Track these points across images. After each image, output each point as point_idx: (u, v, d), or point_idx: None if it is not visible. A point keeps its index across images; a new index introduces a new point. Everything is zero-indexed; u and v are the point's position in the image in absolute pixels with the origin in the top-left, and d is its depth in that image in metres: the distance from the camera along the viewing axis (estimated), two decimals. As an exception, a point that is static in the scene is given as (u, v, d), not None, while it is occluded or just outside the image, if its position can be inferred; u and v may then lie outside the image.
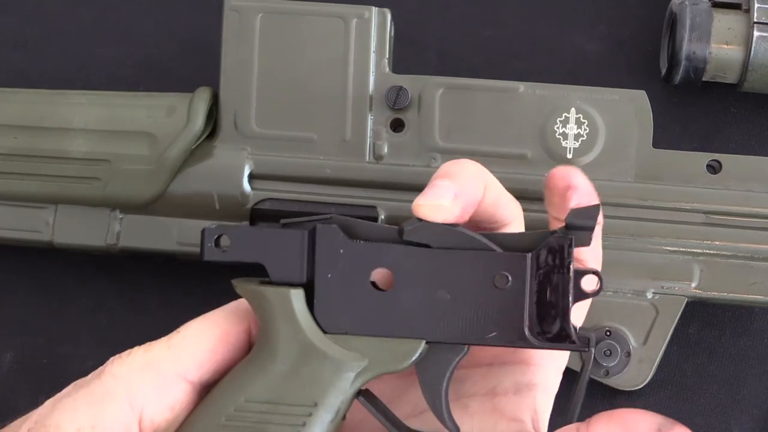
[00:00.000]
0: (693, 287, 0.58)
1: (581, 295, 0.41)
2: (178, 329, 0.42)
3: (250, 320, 0.43)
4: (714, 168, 0.59)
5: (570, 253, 0.40)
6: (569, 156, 0.58)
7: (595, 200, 0.44)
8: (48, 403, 0.41)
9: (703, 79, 0.60)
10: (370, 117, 0.59)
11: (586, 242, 0.41)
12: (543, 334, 0.41)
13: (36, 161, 0.59)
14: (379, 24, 0.59)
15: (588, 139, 0.58)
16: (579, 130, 0.58)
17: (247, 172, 0.59)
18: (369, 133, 0.59)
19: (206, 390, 0.42)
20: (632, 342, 0.58)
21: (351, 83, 0.59)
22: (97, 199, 0.59)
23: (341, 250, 0.41)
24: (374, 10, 0.59)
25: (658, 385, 0.61)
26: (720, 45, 0.59)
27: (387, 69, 0.59)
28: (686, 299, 0.58)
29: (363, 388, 0.41)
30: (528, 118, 0.59)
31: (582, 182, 0.44)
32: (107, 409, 0.40)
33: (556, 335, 0.41)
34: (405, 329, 0.41)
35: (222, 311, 0.43)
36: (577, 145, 0.58)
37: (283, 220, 0.42)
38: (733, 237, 0.58)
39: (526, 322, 0.41)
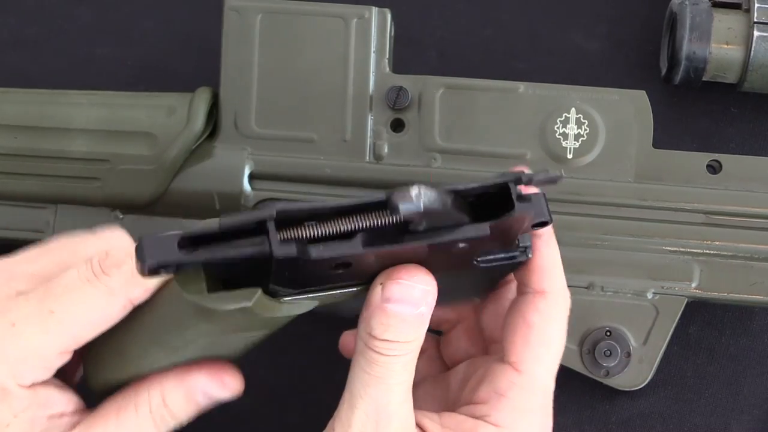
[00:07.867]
0: (693, 287, 0.58)
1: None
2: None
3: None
4: (714, 168, 0.59)
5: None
6: (569, 156, 0.58)
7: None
8: None
9: (703, 79, 0.60)
10: (370, 117, 0.59)
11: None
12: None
13: (36, 161, 0.59)
14: (379, 24, 0.59)
15: (588, 139, 0.58)
16: (579, 130, 0.58)
17: (247, 172, 0.59)
18: (369, 133, 0.59)
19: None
20: (632, 342, 0.58)
21: (351, 83, 0.59)
22: (98, 199, 0.59)
23: (300, 263, 0.39)
24: (374, 10, 0.59)
25: (658, 385, 0.61)
26: (720, 45, 0.59)
27: (387, 69, 0.59)
28: (686, 299, 0.58)
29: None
30: (528, 118, 0.59)
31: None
32: None
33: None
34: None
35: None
36: (577, 145, 0.58)
37: (221, 220, 0.40)
38: (733, 237, 0.58)
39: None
